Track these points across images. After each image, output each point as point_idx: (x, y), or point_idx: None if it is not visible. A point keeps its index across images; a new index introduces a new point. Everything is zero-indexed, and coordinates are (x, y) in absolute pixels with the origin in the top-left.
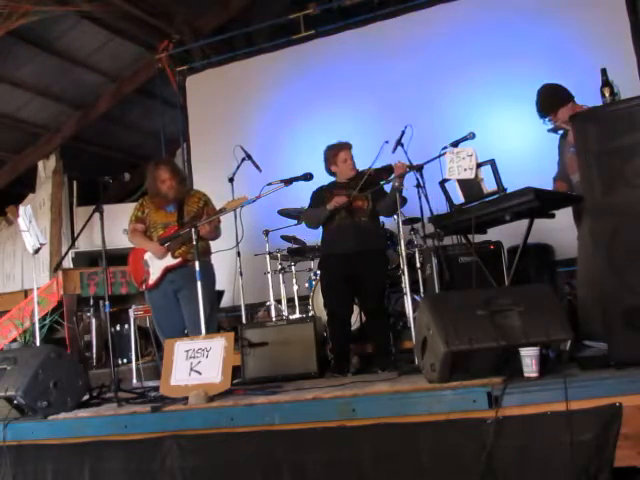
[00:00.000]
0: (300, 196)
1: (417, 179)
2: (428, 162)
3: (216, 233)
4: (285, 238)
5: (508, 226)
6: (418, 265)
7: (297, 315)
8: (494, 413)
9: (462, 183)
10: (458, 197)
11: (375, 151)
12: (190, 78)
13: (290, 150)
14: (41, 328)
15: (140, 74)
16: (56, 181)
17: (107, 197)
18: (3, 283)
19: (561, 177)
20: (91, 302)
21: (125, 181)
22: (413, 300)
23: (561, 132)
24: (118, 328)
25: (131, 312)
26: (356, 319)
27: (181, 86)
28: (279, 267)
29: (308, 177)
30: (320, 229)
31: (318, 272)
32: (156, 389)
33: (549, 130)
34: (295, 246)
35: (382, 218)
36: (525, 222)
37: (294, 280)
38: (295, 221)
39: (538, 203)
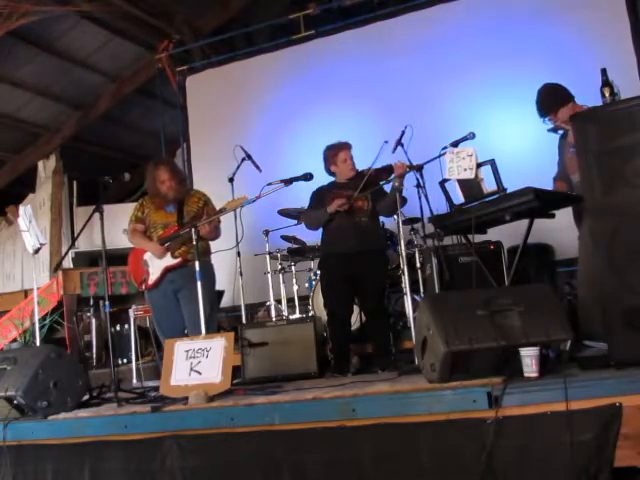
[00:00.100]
0: (300, 196)
1: (417, 179)
2: (428, 162)
3: (216, 233)
4: (285, 238)
5: (508, 226)
6: (418, 265)
7: (297, 315)
8: (494, 413)
9: (462, 183)
10: (458, 197)
11: (375, 151)
12: (190, 78)
13: (290, 150)
14: (41, 328)
15: (140, 74)
16: (56, 181)
17: (107, 197)
18: (3, 283)
19: (561, 177)
20: (91, 302)
21: (125, 181)
22: (413, 300)
23: (561, 132)
24: (118, 328)
25: (131, 312)
26: (356, 319)
27: (181, 86)
28: (279, 267)
29: (308, 177)
30: (320, 229)
31: (318, 272)
32: (156, 389)
33: (549, 130)
34: (295, 246)
35: (382, 218)
36: (525, 222)
37: (294, 280)
38: (295, 221)
39: (538, 203)
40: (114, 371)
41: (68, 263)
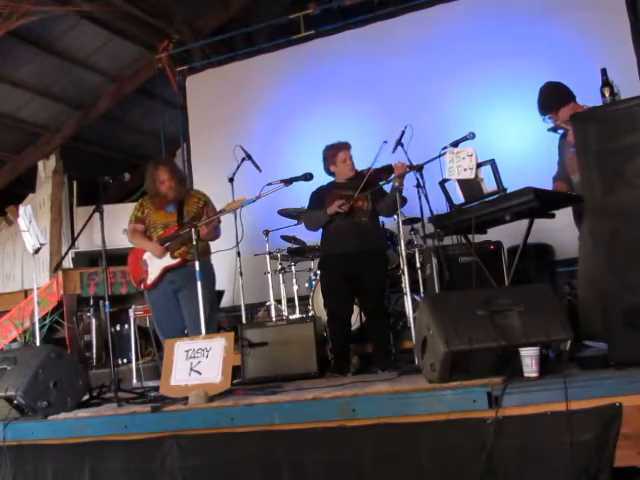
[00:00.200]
0: (300, 196)
1: (417, 179)
2: (428, 162)
3: (215, 234)
4: (285, 238)
5: (508, 226)
6: (418, 265)
7: (297, 315)
8: (494, 413)
9: (462, 183)
10: (458, 197)
11: (375, 151)
12: (190, 78)
13: (290, 150)
14: (41, 328)
15: (140, 74)
16: (56, 181)
17: (107, 197)
18: (3, 283)
19: (561, 177)
20: (91, 302)
21: (125, 181)
22: (413, 300)
23: (561, 132)
24: (118, 328)
25: (131, 312)
26: (356, 319)
27: (181, 86)
28: (279, 267)
29: (308, 177)
30: (320, 229)
31: (318, 272)
32: (156, 389)
33: (549, 129)
34: (295, 246)
35: (382, 218)
36: (525, 222)
37: (294, 280)
38: (295, 221)
39: (538, 203)
40: (114, 371)
41: (68, 263)
